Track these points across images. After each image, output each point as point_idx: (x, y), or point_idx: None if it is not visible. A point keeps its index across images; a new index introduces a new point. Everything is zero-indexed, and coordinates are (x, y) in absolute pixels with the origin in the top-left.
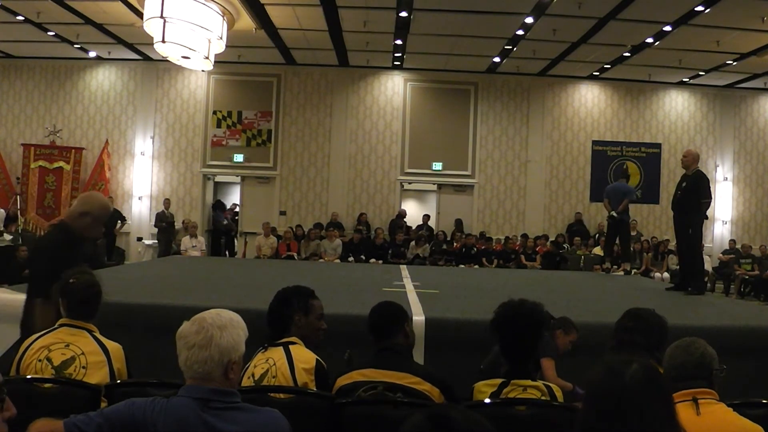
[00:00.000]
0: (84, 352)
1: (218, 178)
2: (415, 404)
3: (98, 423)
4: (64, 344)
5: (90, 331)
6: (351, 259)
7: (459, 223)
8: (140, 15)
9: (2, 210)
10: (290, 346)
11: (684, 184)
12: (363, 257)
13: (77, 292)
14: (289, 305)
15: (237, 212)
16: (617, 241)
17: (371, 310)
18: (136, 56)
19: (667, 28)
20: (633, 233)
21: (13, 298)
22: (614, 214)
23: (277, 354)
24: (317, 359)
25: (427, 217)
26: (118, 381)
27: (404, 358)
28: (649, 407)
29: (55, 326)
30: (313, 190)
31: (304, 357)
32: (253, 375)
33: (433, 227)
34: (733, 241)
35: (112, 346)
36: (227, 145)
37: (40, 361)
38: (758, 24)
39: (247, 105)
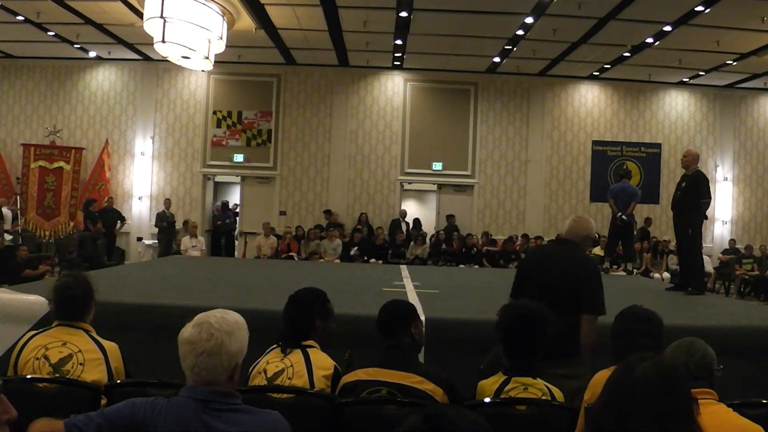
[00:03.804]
0: (81, 350)
1: (218, 178)
2: (416, 405)
3: (98, 423)
4: (60, 342)
5: (86, 331)
6: (354, 253)
7: (450, 219)
8: (140, 15)
9: (9, 210)
10: (309, 350)
11: (684, 184)
12: (363, 257)
13: (54, 293)
14: (310, 311)
15: (237, 212)
16: (619, 242)
17: (381, 308)
18: (136, 56)
19: (667, 28)
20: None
21: (14, 298)
22: (624, 218)
23: (295, 357)
24: (335, 365)
25: (417, 221)
26: (118, 381)
27: (409, 357)
28: (658, 405)
29: (51, 325)
30: (313, 190)
31: (324, 363)
32: (265, 372)
33: (434, 227)
34: (733, 241)
35: (109, 345)
36: (227, 145)
37: (37, 359)
38: (758, 24)
39: (247, 105)
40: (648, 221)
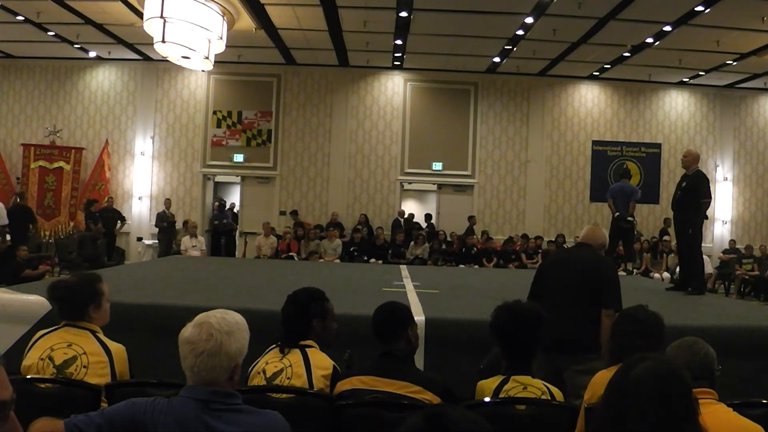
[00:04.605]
0: (86, 352)
1: (218, 178)
2: (417, 407)
3: (98, 423)
4: (66, 344)
5: (93, 332)
6: (355, 252)
7: (471, 220)
8: (140, 15)
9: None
10: (308, 350)
11: (684, 184)
12: (363, 257)
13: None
14: (307, 311)
15: (236, 212)
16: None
17: (376, 310)
18: (136, 56)
19: (667, 28)
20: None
21: (14, 298)
22: (630, 219)
23: (294, 357)
24: (334, 365)
25: (429, 216)
26: (118, 381)
27: (405, 364)
28: (653, 406)
29: (59, 325)
30: (313, 190)
31: (323, 363)
32: (264, 372)
33: (434, 226)
34: (733, 241)
35: (115, 347)
36: (227, 145)
37: (42, 359)
38: (758, 24)
39: (247, 105)
40: (667, 221)
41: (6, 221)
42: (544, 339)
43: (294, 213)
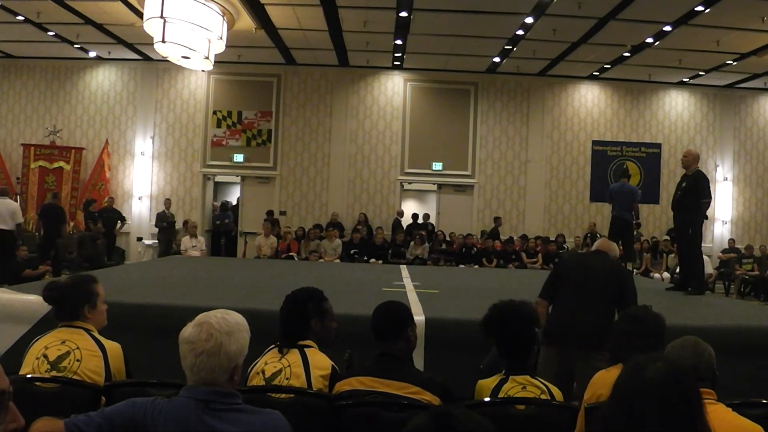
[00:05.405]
0: (79, 347)
1: (218, 178)
2: (416, 407)
3: (98, 423)
4: (60, 341)
5: (87, 331)
6: (355, 254)
7: (497, 221)
8: (140, 15)
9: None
10: (306, 350)
11: (684, 184)
12: (363, 257)
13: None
14: (304, 311)
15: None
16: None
17: (376, 309)
18: (136, 56)
19: (667, 28)
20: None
21: (14, 298)
22: (640, 222)
23: (293, 357)
24: (333, 366)
25: (426, 216)
26: (118, 381)
27: (404, 364)
28: (668, 408)
29: (55, 328)
30: (313, 190)
31: (322, 363)
32: (263, 372)
33: (434, 225)
34: (732, 241)
35: (110, 344)
36: (227, 145)
37: (37, 359)
38: (758, 24)
39: (247, 105)
40: None
41: (21, 220)
42: (560, 337)
43: (270, 213)
